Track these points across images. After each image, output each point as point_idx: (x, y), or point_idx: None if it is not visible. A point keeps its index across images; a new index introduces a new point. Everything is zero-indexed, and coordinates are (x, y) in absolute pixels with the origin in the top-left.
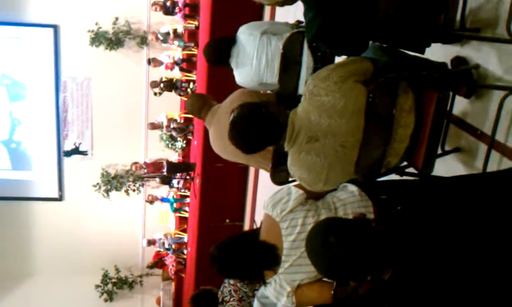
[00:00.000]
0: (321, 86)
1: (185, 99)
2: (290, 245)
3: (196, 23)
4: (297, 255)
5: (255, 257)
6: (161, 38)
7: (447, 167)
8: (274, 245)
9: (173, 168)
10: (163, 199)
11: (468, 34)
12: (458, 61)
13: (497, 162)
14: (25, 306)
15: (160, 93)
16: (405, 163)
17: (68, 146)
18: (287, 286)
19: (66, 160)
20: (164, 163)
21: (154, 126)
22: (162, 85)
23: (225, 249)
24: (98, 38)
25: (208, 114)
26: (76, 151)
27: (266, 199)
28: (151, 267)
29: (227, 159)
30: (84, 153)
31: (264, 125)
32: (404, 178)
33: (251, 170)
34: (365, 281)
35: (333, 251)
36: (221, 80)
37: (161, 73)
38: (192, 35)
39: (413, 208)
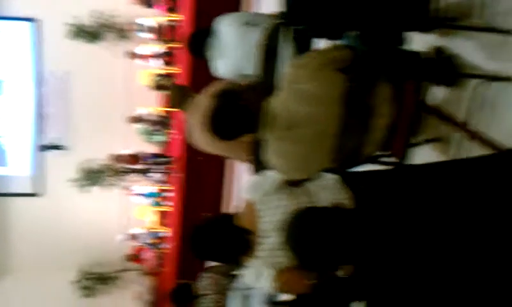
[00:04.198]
0: (299, 73)
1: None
2: (266, 227)
3: (173, 17)
4: (274, 237)
5: (228, 241)
6: (138, 28)
7: (424, 156)
8: (246, 229)
9: (152, 161)
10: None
11: (450, 23)
12: (439, 50)
13: (478, 151)
14: (2, 302)
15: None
16: (382, 152)
17: (46, 140)
18: (266, 269)
19: (45, 155)
20: (143, 156)
21: (135, 119)
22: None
23: (200, 231)
24: (78, 32)
25: (189, 106)
26: (54, 145)
27: (246, 185)
28: (128, 259)
29: (206, 152)
30: (62, 147)
31: (234, 113)
32: (382, 167)
33: (229, 163)
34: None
35: (309, 238)
36: (203, 72)
37: (139, 66)
38: (171, 29)
39: (389, 198)
